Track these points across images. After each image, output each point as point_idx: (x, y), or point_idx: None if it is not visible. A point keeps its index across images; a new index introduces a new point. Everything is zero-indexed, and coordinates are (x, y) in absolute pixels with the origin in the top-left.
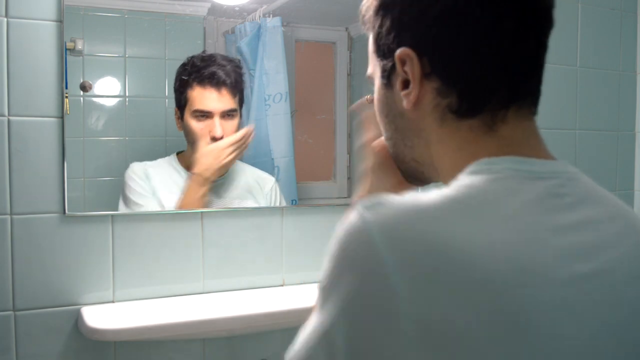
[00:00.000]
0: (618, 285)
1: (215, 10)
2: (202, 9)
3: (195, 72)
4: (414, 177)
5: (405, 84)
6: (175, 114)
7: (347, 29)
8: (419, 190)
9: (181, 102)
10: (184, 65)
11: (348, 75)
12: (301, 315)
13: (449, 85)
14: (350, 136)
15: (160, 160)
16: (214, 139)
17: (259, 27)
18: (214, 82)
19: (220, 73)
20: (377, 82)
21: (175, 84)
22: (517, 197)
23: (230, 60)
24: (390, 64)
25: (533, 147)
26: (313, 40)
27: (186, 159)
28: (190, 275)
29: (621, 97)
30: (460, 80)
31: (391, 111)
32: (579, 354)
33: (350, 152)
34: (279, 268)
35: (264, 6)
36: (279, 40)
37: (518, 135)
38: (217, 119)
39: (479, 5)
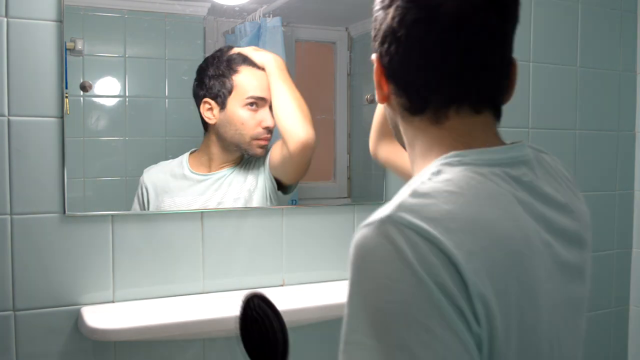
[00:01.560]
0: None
1: (215, 10)
2: (202, 9)
3: (234, 58)
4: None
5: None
6: (205, 105)
7: (347, 29)
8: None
9: (223, 90)
10: (209, 60)
11: (348, 75)
12: (300, 315)
13: (399, 87)
14: (350, 136)
15: (172, 162)
16: (267, 129)
17: (259, 27)
18: (254, 64)
19: (257, 54)
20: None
21: (203, 76)
22: (487, 181)
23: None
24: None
25: (478, 137)
26: (313, 40)
27: (198, 159)
28: (190, 275)
29: (621, 97)
30: (405, 86)
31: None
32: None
33: (350, 152)
34: (279, 268)
35: (264, 6)
36: (279, 40)
37: (463, 129)
38: (267, 109)
39: (405, 31)
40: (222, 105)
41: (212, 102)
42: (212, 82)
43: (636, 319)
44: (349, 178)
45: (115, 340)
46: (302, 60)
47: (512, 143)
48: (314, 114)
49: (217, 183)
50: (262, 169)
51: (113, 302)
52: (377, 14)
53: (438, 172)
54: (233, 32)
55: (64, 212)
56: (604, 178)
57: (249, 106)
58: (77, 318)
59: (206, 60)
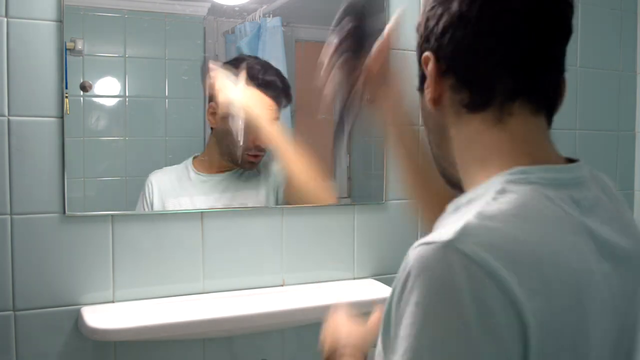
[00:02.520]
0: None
1: (215, 10)
2: (202, 9)
3: (254, 74)
4: (448, 180)
5: (429, 84)
6: (210, 108)
7: None
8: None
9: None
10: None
11: None
12: (300, 315)
13: (460, 80)
14: (350, 136)
15: (177, 166)
16: (258, 147)
17: (259, 27)
18: (271, 90)
19: (278, 83)
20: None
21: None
22: (553, 204)
23: (283, 76)
24: (421, 70)
25: (539, 145)
26: (313, 40)
27: (201, 163)
28: (190, 275)
29: (621, 97)
30: (469, 76)
31: (424, 114)
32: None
33: (350, 152)
34: (279, 268)
35: (264, 6)
36: (279, 40)
37: (527, 132)
38: None
39: (477, 13)
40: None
41: (216, 107)
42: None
43: None
44: (349, 178)
45: (115, 340)
46: (302, 60)
47: (572, 161)
48: (314, 113)
49: (222, 184)
50: (267, 177)
51: (113, 302)
52: (429, 13)
53: (503, 191)
54: (233, 32)
55: (64, 212)
56: None
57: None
58: (77, 318)
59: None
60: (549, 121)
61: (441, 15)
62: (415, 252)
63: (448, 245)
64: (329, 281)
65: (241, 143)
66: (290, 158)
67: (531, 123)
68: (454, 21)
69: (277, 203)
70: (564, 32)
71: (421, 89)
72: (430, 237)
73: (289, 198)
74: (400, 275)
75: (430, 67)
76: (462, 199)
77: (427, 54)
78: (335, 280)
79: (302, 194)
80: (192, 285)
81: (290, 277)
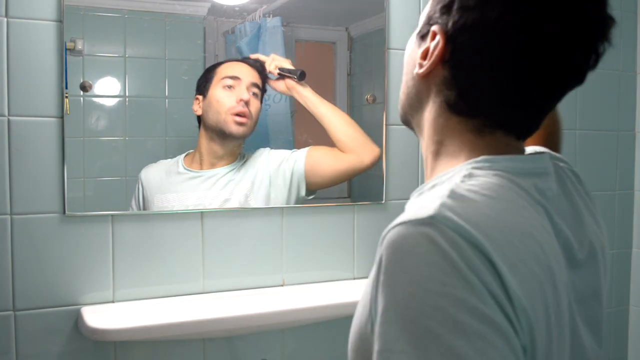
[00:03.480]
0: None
1: (215, 10)
2: (202, 9)
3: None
4: (405, 123)
5: (425, 55)
6: (196, 100)
7: (347, 29)
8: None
9: (207, 82)
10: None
11: (348, 75)
12: (300, 315)
13: (455, 80)
14: None
15: (169, 161)
16: (242, 102)
17: (259, 27)
18: (242, 59)
19: (250, 60)
20: (413, 36)
21: (200, 79)
22: (520, 191)
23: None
24: (427, 30)
25: (517, 151)
26: (313, 40)
27: (191, 157)
28: (190, 275)
29: (621, 97)
30: (464, 83)
31: (409, 69)
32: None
33: None
34: (279, 268)
35: (264, 6)
36: (279, 40)
37: (501, 145)
38: (243, 86)
39: (514, 28)
40: (205, 94)
41: (200, 96)
42: (201, 79)
43: (636, 319)
44: None
45: (115, 340)
46: (302, 60)
47: (536, 153)
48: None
49: (209, 182)
50: (257, 172)
51: (113, 302)
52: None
53: (470, 176)
54: (233, 32)
55: (64, 212)
56: (604, 178)
57: (226, 87)
58: (77, 318)
59: (209, 67)
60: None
61: (470, 8)
62: (392, 234)
63: (430, 221)
64: (329, 281)
65: (226, 105)
66: (330, 109)
67: (508, 141)
68: (476, 27)
69: (288, 187)
70: (578, 83)
71: (419, 41)
72: (404, 217)
73: (314, 163)
74: (380, 260)
75: (435, 45)
76: (425, 185)
77: (437, 28)
78: (335, 280)
79: (354, 140)
80: (192, 285)
81: (290, 277)
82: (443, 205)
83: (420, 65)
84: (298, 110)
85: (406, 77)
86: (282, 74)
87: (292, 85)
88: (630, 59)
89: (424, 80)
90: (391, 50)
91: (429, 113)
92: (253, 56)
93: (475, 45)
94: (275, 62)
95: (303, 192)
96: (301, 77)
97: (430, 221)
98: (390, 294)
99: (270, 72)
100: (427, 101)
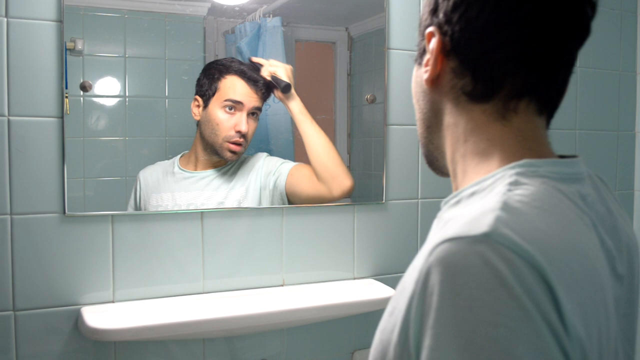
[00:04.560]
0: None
1: (215, 10)
2: (202, 9)
3: (230, 65)
4: (431, 164)
5: (428, 62)
6: (195, 102)
7: (347, 29)
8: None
9: (209, 91)
10: (213, 61)
11: (348, 75)
12: (300, 315)
13: (465, 64)
14: (350, 136)
15: (167, 161)
16: (239, 133)
17: (259, 27)
18: (247, 77)
19: (254, 73)
20: (414, 69)
21: (204, 72)
22: (565, 199)
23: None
24: (423, 43)
25: (544, 145)
26: (313, 40)
27: (187, 157)
28: (190, 275)
29: (621, 97)
30: (476, 61)
31: (418, 90)
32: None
33: (350, 152)
34: (279, 268)
35: (264, 6)
36: (279, 40)
37: (530, 130)
38: (244, 114)
39: None
40: (206, 104)
41: (200, 100)
42: (204, 81)
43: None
44: None
45: (115, 340)
46: (302, 60)
47: (569, 157)
48: (314, 114)
49: (202, 182)
50: (251, 179)
51: (113, 302)
52: None
53: (516, 183)
54: (233, 32)
55: (64, 212)
56: None
57: (226, 109)
58: (77, 318)
59: (213, 61)
60: (549, 122)
61: None
62: (441, 251)
63: (485, 238)
64: (329, 281)
65: (224, 132)
66: (313, 131)
67: (534, 122)
68: None
69: (272, 198)
70: (584, 33)
71: (419, 62)
72: (454, 232)
73: (293, 183)
74: (418, 279)
75: (433, 44)
76: (461, 192)
77: (431, 29)
78: (335, 280)
79: (329, 169)
80: (192, 285)
81: (290, 277)
82: (498, 219)
83: (427, 72)
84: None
85: (418, 104)
86: (272, 82)
87: (280, 96)
88: (630, 59)
89: (435, 88)
90: (391, 50)
91: (450, 116)
92: (255, 60)
93: (472, 15)
94: (270, 68)
95: (287, 204)
96: (284, 89)
97: (485, 239)
98: (440, 317)
99: (263, 76)
100: (445, 108)
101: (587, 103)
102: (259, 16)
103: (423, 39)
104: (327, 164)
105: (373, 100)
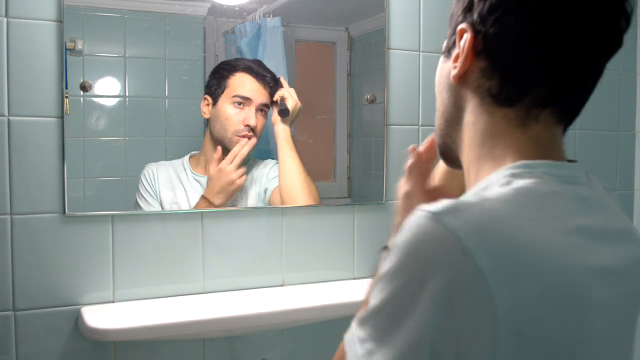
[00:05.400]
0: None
1: (215, 10)
2: (202, 9)
3: (238, 64)
4: (445, 155)
5: (457, 58)
6: (204, 101)
7: (347, 29)
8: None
9: (218, 89)
10: (221, 62)
11: (348, 75)
12: (300, 315)
13: (495, 67)
14: (350, 136)
15: (174, 161)
16: (248, 127)
17: (259, 27)
18: (256, 73)
19: (263, 70)
20: (439, 62)
21: (213, 74)
22: (559, 199)
23: (270, 70)
24: (453, 38)
25: (559, 151)
26: (313, 40)
27: (197, 160)
28: (190, 275)
29: (621, 97)
30: (506, 66)
31: (442, 83)
32: (611, 335)
33: (350, 152)
34: (279, 268)
35: (264, 6)
36: (279, 40)
37: (547, 139)
38: (253, 109)
39: (538, 3)
40: (215, 102)
41: (209, 99)
42: (213, 82)
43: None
44: (348, 178)
45: (115, 340)
46: (302, 60)
47: (570, 161)
48: (314, 114)
49: None
50: (256, 180)
51: (113, 302)
52: None
53: (508, 183)
54: (233, 32)
55: (64, 212)
56: (604, 178)
57: (235, 104)
58: (77, 318)
59: (220, 62)
60: (565, 129)
61: None
62: (412, 215)
63: (435, 215)
64: (329, 281)
65: (233, 126)
66: (289, 157)
67: (552, 130)
68: (508, 2)
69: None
70: (616, 45)
71: (447, 55)
72: (427, 205)
73: (274, 201)
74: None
75: (464, 41)
76: (464, 195)
77: (463, 26)
78: (335, 280)
79: (290, 193)
80: (192, 285)
81: (290, 277)
82: (457, 203)
83: (455, 68)
84: (301, 109)
85: (440, 95)
86: (275, 102)
87: (275, 117)
88: (630, 59)
89: (461, 84)
90: (391, 50)
91: (471, 115)
92: (282, 79)
93: (509, 21)
94: (285, 93)
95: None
96: (281, 112)
97: (435, 214)
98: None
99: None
100: (467, 105)
101: (588, 103)
102: (259, 16)
103: (453, 34)
104: (289, 187)
105: (373, 100)
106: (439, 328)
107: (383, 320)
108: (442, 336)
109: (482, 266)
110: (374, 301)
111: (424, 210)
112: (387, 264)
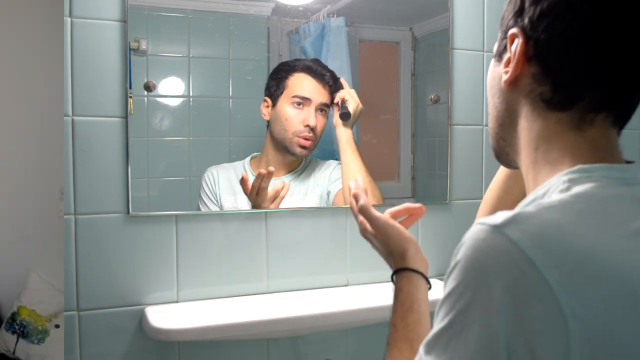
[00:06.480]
0: None
1: (279, 10)
2: (266, 9)
3: (296, 64)
4: (500, 157)
5: (509, 63)
6: (264, 102)
7: (411, 29)
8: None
9: (278, 90)
10: (279, 64)
11: (412, 75)
12: (365, 315)
13: (547, 72)
14: (414, 136)
15: (235, 163)
16: (308, 127)
17: (323, 27)
18: (314, 72)
19: (322, 69)
20: (490, 65)
21: (272, 75)
22: (619, 203)
23: (329, 69)
24: (504, 42)
25: (615, 153)
26: (377, 40)
27: (258, 162)
28: (254, 275)
29: None
30: (558, 72)
31: (494, 87)
32: None
33: (414, 152)
34: (343, 268)
35: (328, 6)
36: (342, 40)
37: (603, 141)
38: (312, 109)
39: (589, 9)
40: (274, 103)
41: (269, 100)
42: (272, 83)
43: None
44: (412, 178)
45: (179, 340)
46: (366, 60)
47: (628, 162)
48: (377, 114)
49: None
50: (318, 182)
51: (177, 302)
52: None
53: (567, 189)
54: (297, 32)
55: (128, 212)
56: None
57: (295, 105)
58: (141, 318)
59: (279, 64)
60: (620, 131)
61: None
62: (470, 230)
63: (495, 228)
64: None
65: (293, 126)
66: (352, 160)
67: (608, 133)
68: (559, 8)
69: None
70: None
71: (498, 59)
72: (485, 219)
73: (338, 202)
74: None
75: (516, 46)
76: (522, 202)
77: (515, 30)
78: None
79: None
80: (256, 285)
81: (354, 277)
82: (518, 215)
83: (506, 73)
84: (362, 110)
85: (492, 99)
86: (337, 104)
87: (336, 120)
88: None
89: (512, 89)
90: (455, 50)
91: (525, 120)
92: (342, 80)
93: (560, 27)
94: (346, 94)
95: None
96: (342, 116)
97: (496, 227)
98: (446, 280)
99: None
100: (520, 110)
101: None
102: (323, 16)
103: (505, 38)
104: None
105: (437, 100)
106: (512, 341)
107: (452, 339)
108: (515, 351)
109: (548, 277)
110: (441, 323)
111: (483, 223)
112: (450, 283)
